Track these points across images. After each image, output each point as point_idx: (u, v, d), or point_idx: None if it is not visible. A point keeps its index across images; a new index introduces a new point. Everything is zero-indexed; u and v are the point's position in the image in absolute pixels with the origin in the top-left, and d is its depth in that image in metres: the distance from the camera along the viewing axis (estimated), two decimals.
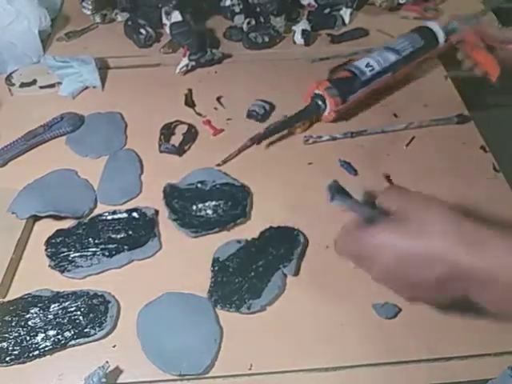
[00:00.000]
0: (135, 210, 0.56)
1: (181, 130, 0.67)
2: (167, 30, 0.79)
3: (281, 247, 0.52)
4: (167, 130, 0.66)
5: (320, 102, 0.65)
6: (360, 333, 0.46)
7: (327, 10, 0.85)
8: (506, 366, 0.43)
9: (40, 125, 0.66)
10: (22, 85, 0.72)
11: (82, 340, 0.46)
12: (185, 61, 0.74)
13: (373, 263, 0.37)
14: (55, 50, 0.79)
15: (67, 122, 0.66)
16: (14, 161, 0.63)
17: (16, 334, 0.46)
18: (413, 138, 0.65)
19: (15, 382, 0.44)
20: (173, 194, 0.57)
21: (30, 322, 0.47)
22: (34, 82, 0.72)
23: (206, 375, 0.44)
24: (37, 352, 0.45)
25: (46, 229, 0.55)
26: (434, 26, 0.70)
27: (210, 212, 0.55)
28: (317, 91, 0.65)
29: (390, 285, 0.39)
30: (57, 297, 0.48)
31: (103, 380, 0.41)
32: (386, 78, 0.67)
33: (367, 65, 0.66)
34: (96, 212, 0.56)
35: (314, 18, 0.82)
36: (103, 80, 0.73)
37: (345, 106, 0.65)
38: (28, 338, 0.46)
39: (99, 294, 0.48)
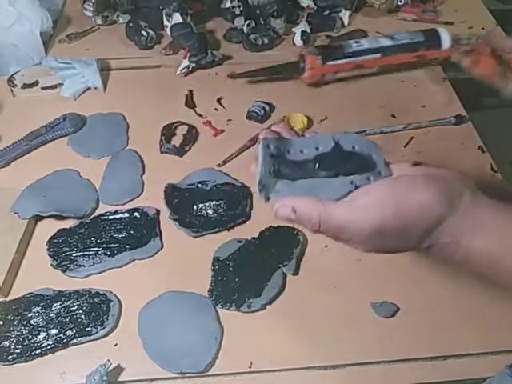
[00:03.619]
0: (137, 209, 0.56)
1: (181, 130, 0.67)
2: (168, 31, 0.80)
3: (281, 247, 0.52)
4: (168, 131, 0.66)
5: (301, 62, 0.68)
6: (358, 331, 0.47)
7: (326, 12, 0.85)
8: (504, 364, 0.43)
9: (42, 125, 0.66)
10: (24, 86, 0.73)
11: (83, 339, 0.46)
12: (185, 62, 0.75)
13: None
14: (57, 51, 0.80)
15: (69, 122, 0.66)
16: (16, 161, 0.63)
17: (18, 333, 0.46)
18: (411, 138, 0.66)
19: (17, 380, 0.45)
20: (174, 194, 0.58)
21: (32, 321, 0.47)
22: (36, 83, 0.73)
23: (207, 373, 0.44)
24: (39, 351, 0.45)
25: (48, 228, 0.55)
26: (443, 31, 0.71)
27: (210, 212, 0.56)
28: (302, 52, 0.68)
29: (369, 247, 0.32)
30: (59, 296, 0.49)
31: (105, 378, 0.42)
32: (374, 57, 0.69)
33: (357, 41, 0.68)
34: (98, 212, 0.57)
35: (314, 19, 0.83)
36: (105, 81, 0.74)
37: (323, 68, 0.67)
38: (30, 336, 0.46)
39: (101, 292, 0.49)
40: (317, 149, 0.33)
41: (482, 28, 0.83)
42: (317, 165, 0.32)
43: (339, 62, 0.67)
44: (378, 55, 0.69)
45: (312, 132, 0.37)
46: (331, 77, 0.71)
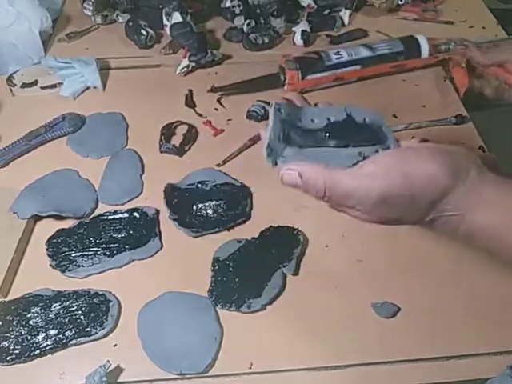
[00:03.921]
0: (136, 209, 0.56)
1: (181, 130, 0.67)
2: (168, 31, 0.80)
3: (281, 247, 0.52)
4: (168, 131, 0.66)
5: (282, 75, 0.69)
6: (359, 332, 0.47)
7: (327, 11, 0.85)
8: (506, 365, 0.43)
9: (41, 125, 0.66)
10: (24, 85, 0.72)
11: (82, 339, 0.46)
12: (185, 62, 0.74)
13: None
14: (56, 50, 0.80)
15: (68, 122, 0.66)
16: (15, 161, 0.63)
17: (17, 334, 0.46)
18: (412, 138, 0.65)
19: (16, 381, 0.44)
20: (173, 194, 0.57)
21: (31, 322, 0.47)
22: (36, 82, 0.73)
23: (207, 374, 0.44)
24: (38, 351, 0.45)
25: (47, 228, 0.55)
26: (422, 38, 0.72)
27: (210, 212, 0.56)
28: (282, 64, 0.68)
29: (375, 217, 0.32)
30: (58, 296, 0.49)
31: (104, 379, 0.42)
32: (354, 69, 0.69)
33: (336, 53, 0.69)
34: (97, 212, 0.57)
35: (314, 19, 0.83)
36: (104, 81, 0.74)
37: (303, 83, 0.68)
38: (29, 337, 0.46)
39: (100, 293, 0.49)
40: (328, 119, 0.33)
41: (483, 27, 0.83)
42: (327, 134, 0.32)
43: (319, 75, 0.68)
44: (357, 67, 0.69)
45: (325, 103, 0.36)
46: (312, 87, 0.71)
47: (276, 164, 0.32)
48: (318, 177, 0.30)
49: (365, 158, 0.31)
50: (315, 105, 0.36)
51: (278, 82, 0.69)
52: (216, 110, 0.70)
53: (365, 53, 0.69)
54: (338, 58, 0.68)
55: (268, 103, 0.69)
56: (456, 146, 0.32)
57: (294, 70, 0.67)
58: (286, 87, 0.69)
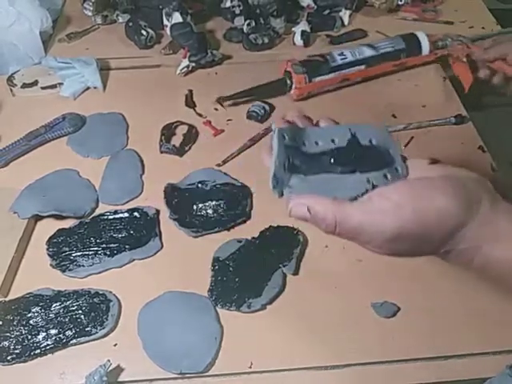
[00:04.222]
0: (136, 209, 0.56)
1: (181, 130, 0.67)
2: (168, 31, 0.80)
3: (281, 247, 0.52)
4: (168, 131, 0.66)
5: (288, 79, 0.68)
6: (359, 332, 0.47)
7: (326, 12, 0.85)
8: (505, 364, 0.43)
9: (42, 125, 0.66)
10: (24, 85, 0.72)
11: (83, 339, 0.46)
12: (185, 62, 0.75)
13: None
14: (57, 50, 0.80)
15: (69, 122, 0.66)
16: (15, 161, 0.63)
17: (17, 333, 0.46)
18: (411, 138, 0.66)
19: (17, 380, 0.45)
20: (173, 194, 0.57)
21: (31, 321, 0.47)
22: (36, 82, 0.73)
23: (207, 373, 0.44)
24: (38, 351, 0.45)
25: (47, 228, 0.55)
26: (422, 35, 0.72)
27: (210, 212, 0.56)
28: (287, 68, 0.68)
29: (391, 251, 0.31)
30: (58, 296, 0.49)
31: (104, 378, 0.42)
32: (358, 69, 0.69)
33: (341, 54, 0.69)
34: (97, 212, 0.57)
35: (314, 19, 0.83)
36: (104, 81, 0.74)
37: (310, 86, 0.68)
38: (29, 336, 0.46)
39: (100, 293, 0.49)
40: (333, 141, 0.32)
41: (483, 27, 0.83)
42: (332, 159, 0.31)
43: (325, 77, 0.68)
44: (362, 67, 0.69)
45: (327, 119, 0.35)
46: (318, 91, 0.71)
47: (282, 195, 0.31)
48: (328, 211, 0.29)
49: (374, 186, 0.30)
50: (317, 123, 0.35)
51: (284, 87, 0.69)
52: (216, 110, 0.70)
53: (368, 52, 0.69)
54: (342, 59, 0.68)
55: (268, 104, 0.69)
56: (467, 172, 0.31)
57: (301, 74, 0.66)
58: (292, 91, 0.68)
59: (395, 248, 0.30)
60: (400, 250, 0.31)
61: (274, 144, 0.31)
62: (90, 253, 0.52)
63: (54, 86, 0.72)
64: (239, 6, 0.81)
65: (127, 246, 0.53)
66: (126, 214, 0.55)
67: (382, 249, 0.30)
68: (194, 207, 0.56)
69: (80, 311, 0.47)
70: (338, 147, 0.32)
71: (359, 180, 0.30)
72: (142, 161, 0.63)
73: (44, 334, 0.46)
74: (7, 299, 0.49)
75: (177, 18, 0.78)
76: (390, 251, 0.31)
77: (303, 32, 0.79)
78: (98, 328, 0.46)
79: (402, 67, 0.73)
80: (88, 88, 0.73)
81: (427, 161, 0.32)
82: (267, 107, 0.68)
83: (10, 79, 0.73)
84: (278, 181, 0.30)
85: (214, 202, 0.56)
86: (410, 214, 0.29)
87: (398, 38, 0.72)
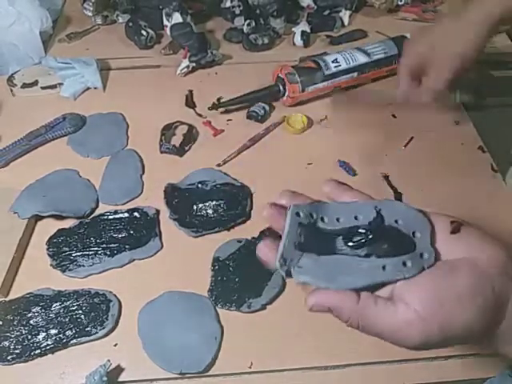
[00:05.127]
0: (136, 209, 0.56)
1: (181, 130, 0.67)
2: (168, 31, 0.80)
3: None
4: (168, 131, 0.66)
5: (280, 86, 0.68)
6: (358, 332, 0.47)
7: (326, 12, 0.85)
8: (505, 365, 0.43)
9: (42, 125, 0.66)
10: (24, 85, 0.72)
11: (83, 339, 0.46)
12: (185, 62, 0.75)
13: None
14: (57, 51, 0.80)
15: (69, 122, 0.66)
16: (16, 161, 0.63)
17: (18, 333, 0.46)
18: (411, 138, 0.66)
19: (17, 380, 0.45)
20: (173, 194, 0.58)
21: (31, 321, 0.47)
22: (36, 82, 0.73)
23: (207, 373, 0.44)
24: (38, 351, 0.45)
25: (47, 228, 0.55)
26: None
27: (210, 212, 0.56)
28: (280, 75, 0.68)
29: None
30: (58, 296, 0.49)
31: (104, 378, 0.42)
32: (351, 77, 0.69)
33: (334, 60, 0.68)
34: (97, 212, 0.57)
35: (314, 19, 0.83)
36: (104, 81, 0.74)
37: (303, 95, 0.68)
38: (30, 336, 0.46)
39: (100, 293, 0.49)
40: (356, 218, 0.29)
41: None
42: (347, 240, 0.29)
43: (319, 85, 0.67)
44: (354, 74, 0.69)
45: (355, 193, 0.31)
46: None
47: (290, 275, 0.28)
48: (351, 315, 0.28)
49: (389, 274, 0.27)
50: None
51: (277, 94, 0.68)
52: (216, 110, 0.70)
53: (361, 59, 0.69)
54: (336, 67, 0.68)
55: (270, 104, 0.69)
56: (495, 251, 0.28)
57: (295, 84, 0.66)
58: (285, 98, 0.68)
59: (417, 350, 0.29)
60: (421, 349, 0.29)
61: (287, 222, 0.29)
62: (90, 253, 0.52)
63: (54, 86, 0.72)
64: (239, 6, 0.81)
65: (127, 246, 0.53)
66: (126, 214, 0.55)
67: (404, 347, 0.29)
68: (194, 207, 0.56)
69: (80, 311, 0.47)
70: (353, 226, 0.29)
71: (374, 265, 0.28)
72: (142, 161, 0.63)
73: (44, 334, 0.46)
74: (7, 299, 0.49)
75: (177, 18, 0.78)
76: (412, 349, 0.30)
77: (303, 32, 0.79)
78: (98, 328, 0.46)
79: (395, 72, 0.73)
80: (88, 88, 0.73)
81: (448, 226, 0.29)
82: (267, 107, 0.68)
83: (10, 79, 0.73)
84: (285, 260, 0.28)
85: (214, 202, 0.56)
86: (436, 330, 0.27)
87: (389, 42, 0.72)
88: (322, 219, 0.29)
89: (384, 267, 0.28)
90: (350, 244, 0.28)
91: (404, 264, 0.28)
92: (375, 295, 0.28)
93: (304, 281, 0.28)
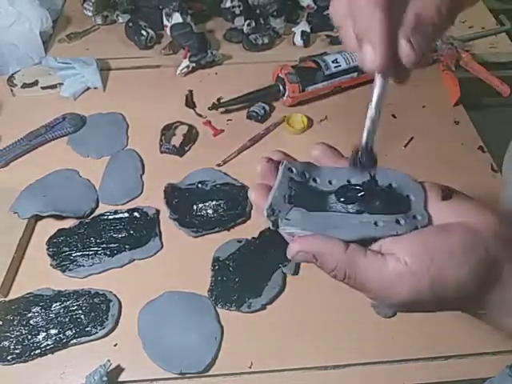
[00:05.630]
0: (136, 209, 0.56)
1: (181, 130, 0.67)
2: (168, 31, 0.80)
3: (281, 246, 0.52)
4: (168, 131, 0.66)
5: (280, 86, 0.68)
6: (359, 332, 0.47)
7: (326, 12, 0.85)
8: (505, 364, 0.43)
9: (42, 125, 0.66)
10: (24, 85, 0.72)
11: (83, 339, 0.46)
12: (185, 62, 0.75)
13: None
14: (57, 51, 0.80)
15: (69, 122, 0.66)
16: (16, 161, 0.63)
17: (18, 333, 0.46)
18: (411, 138, 0.66)
19: (17, 380, 0.45)
20: (173, 194, 0.58)
21: (31, 321, 0.47)
22: (36, 82, 0.73)
23: (207, 373, 0.44)
24: (38, 351, 0.45)
25: (47, 228, 0.55)
26: None
27: (210, 212, 0.56)
28: (280, 75, 0.68)
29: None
30: (58, 296, 0.49)
31: (104, 378, 0.42)
32: (351, 77, 0.70)
33: (334, 60, 0.68)
34: (97, 212, 0.57)
35: (314, 19, 0.83)
36: (104, 81, 0.74)
37: (303, 94, 0.68)
38: (30, 336, 0.46)
39: (100, 293, 0.49)
40: (348, 181, 0.29)
41: (483, 27, 0.83)
42: (340, 197, 0.28)
43: (318, 85, 0.68)
44: (354, 74, 0.69)
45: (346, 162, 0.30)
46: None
47: (277, 226, 0.27)
48: (339, 264, 0.26)
49: (381, 229, 0.26)
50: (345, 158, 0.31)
51: (277, 93, 0.69)
52: (216, 110, 0.70)
53: None
54: (336, 67, 0.68)
55: (270, 104, 0.69)
56: (487, 216, 0.27)
57: (295, 84, 0.66)
58: (285, 98, 0.68)
59: (404, 309, 0.28)
60: (409, 310, 0.29)
61: (278, 177, 0.29)
62: (90, 253, 0.52)
63: (54, 86, 0.73)
64: (239, 6, 0.81)
65: (127, 246, 0.53)
66: (126, 214, 0.55)
67: (390, 307, 0.29)
68: (194, 207, 0.56)
69: (80, 311, 0.47)
70: (349, 185, 0.28)
71: (365, 221, 0.27)
72: (142, 161, 0.63)
73: (44, 333, 0.46)
74: (7, 299, 0.49)
75: (177, 18, 0.78)
76: (398, 310, 0.29)
77: (303, 32, 0.79)
78: (98, 328, 0.46)
79: None
80: (88, 88, 0.73)
81: (440, 193, 0.29)
82: (267, 107, 0.68)
83: (10, 79, 0.73)
84: (273, 210, 0.27)
85: (214, 202, 0.56)
86: (427, 286, 0.25)
87: None
88: (315, 180, 0.29)
89: (376, 223, 0.27)
90: (342, 199, 0.28)
91: (397, 222, 0.27)
92: (365, 247, 0.26)
93: (290, 231, 0.27)
